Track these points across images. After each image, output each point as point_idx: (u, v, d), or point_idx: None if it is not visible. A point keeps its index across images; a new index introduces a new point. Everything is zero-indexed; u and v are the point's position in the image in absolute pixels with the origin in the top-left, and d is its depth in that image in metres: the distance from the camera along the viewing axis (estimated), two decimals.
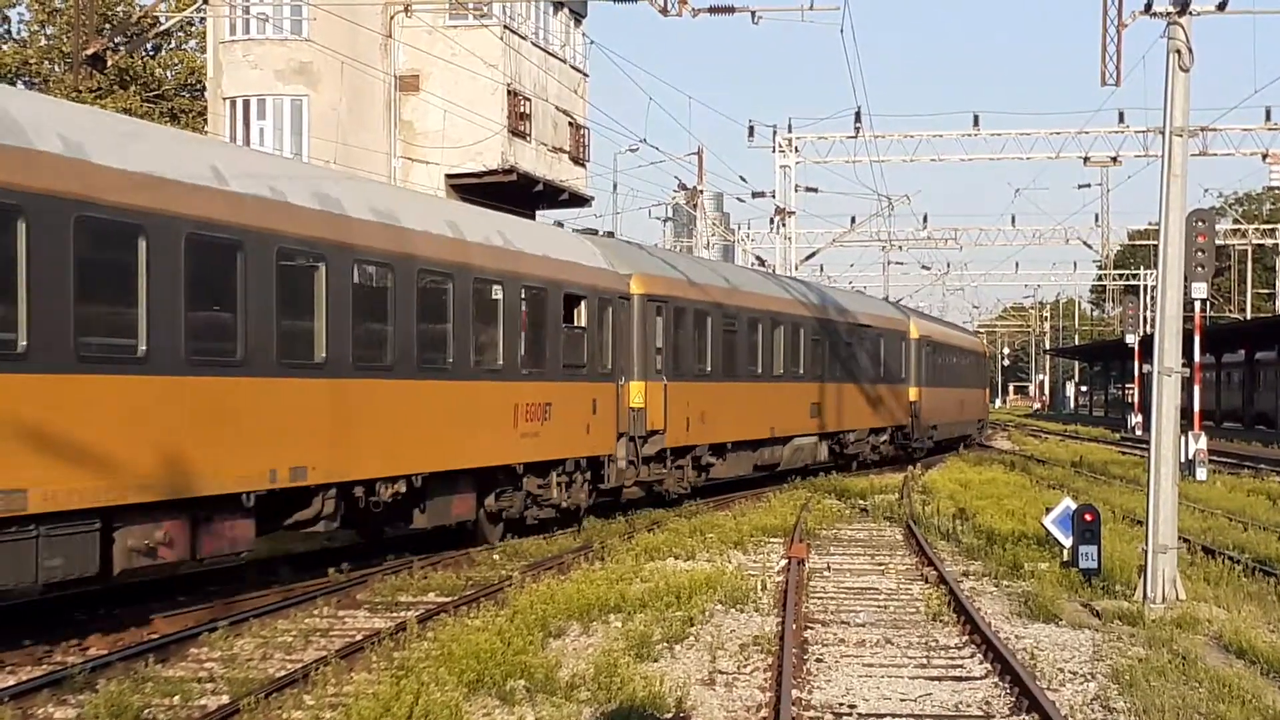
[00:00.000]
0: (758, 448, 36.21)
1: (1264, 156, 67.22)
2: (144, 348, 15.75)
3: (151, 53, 59.59)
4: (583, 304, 26.92)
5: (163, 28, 49.69)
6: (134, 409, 15.63)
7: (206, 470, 16.62)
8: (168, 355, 16.04)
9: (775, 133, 67.26)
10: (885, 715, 12.87)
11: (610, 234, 35.12)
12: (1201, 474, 40.11)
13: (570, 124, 47.05)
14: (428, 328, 21.37)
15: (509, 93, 42.30)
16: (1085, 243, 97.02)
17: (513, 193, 42.49)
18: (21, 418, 14.11)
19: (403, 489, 20.76)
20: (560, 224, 34.09)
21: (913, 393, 51.16)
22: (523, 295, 24.35)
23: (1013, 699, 13.34)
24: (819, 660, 15.13)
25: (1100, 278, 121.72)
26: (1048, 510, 21.95)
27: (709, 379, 32.79)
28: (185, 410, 16.38)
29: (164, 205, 16.09)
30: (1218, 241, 68.77)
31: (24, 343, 14.13)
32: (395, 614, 17.57)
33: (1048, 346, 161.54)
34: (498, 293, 23.51)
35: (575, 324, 26.71)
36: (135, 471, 15.54)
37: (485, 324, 23.18)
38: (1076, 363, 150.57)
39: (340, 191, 20.15)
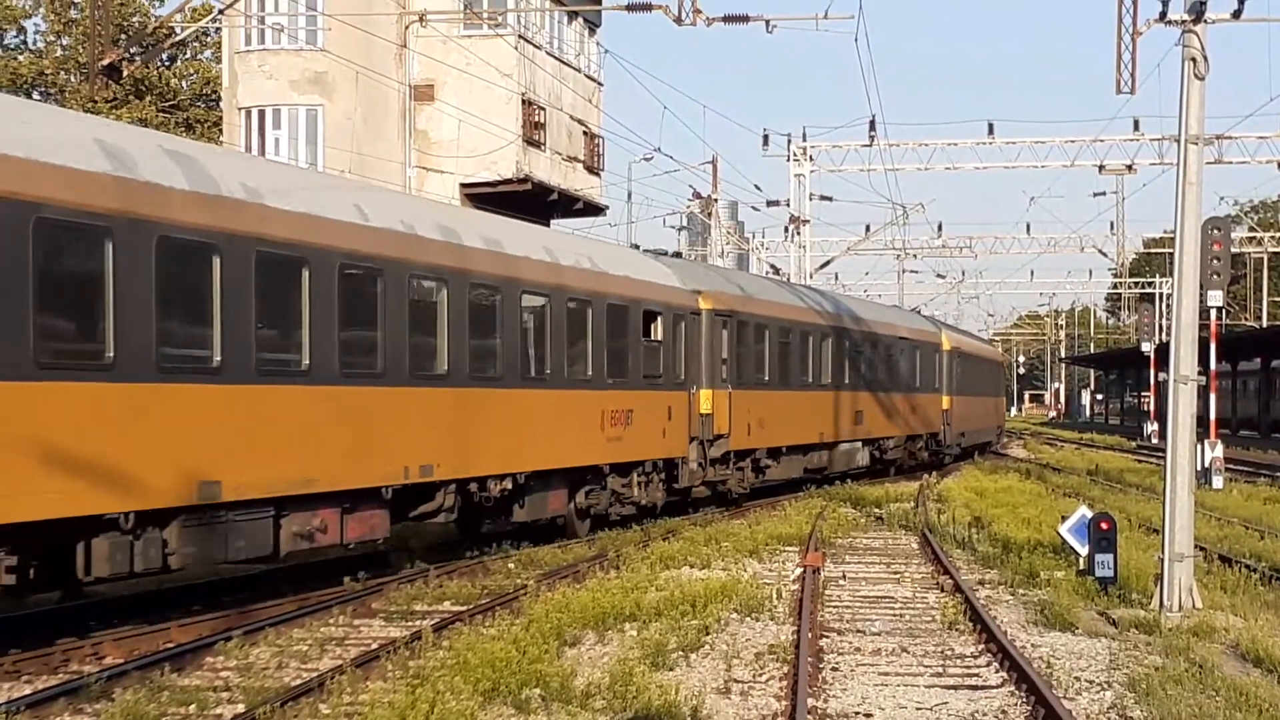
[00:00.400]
0: (807, 452, 38.70)
1: (1279, 164, 67.06)
2: (307, 363, 18.44)
3: (167, 63, 59.77)
4: (659, 319, 29.64)
5: (178, 38, 49.80)
6: (300, 415, 18.30)
7: (354, 467, 19.27)
8: (326, 369, 18.78)
9: (790, 141, 67.22)
10: None
11: (678, 254, 39.07)
12: (1218, 482, 40.02)
13: (585, 133, 47.11)
14: (530, 342, 24.23)
15: (523, 102, 42.37)
16: (1100, 251, 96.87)
17: (527, 202, 42.54)
18: (217, 422, 16.77)
19: (509, 486, 23.56)
20: (642, 248, 35.48)
21: (945, 401, 53.65)
22: (608, 312, 27.08)
23: (1029, 708, 13.31)
24: (834, 669, 15.12)
25: (1115, 286, 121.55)
26: (1064, 518, 21.93)
27: (766, 387, 35.38)
28: (338, 416, 19.05)
29: (322, 240, 18.80)
30: (1233, 249, 68.81)
31: (218, 359, 16.84)
32: (411, 623, 17.58)
33: (1063, 355, 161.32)
34: (587, 310, 26.26)
35: (653, 338, 29.47)
36: (299, 467, 18.15)
37: (577, 338, 25.93)
38: (1092, 371, 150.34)
39: (458, 223, 23.08)
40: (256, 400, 17.46)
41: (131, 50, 36.34)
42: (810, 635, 16.50)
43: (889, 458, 46.61)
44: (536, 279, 24.46)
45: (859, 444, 43.03)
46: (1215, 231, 32.68)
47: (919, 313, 66.50)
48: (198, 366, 16.65)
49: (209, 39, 57.93)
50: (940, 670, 15.15)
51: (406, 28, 41.90)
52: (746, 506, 34.16)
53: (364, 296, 19.59)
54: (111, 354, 15.34)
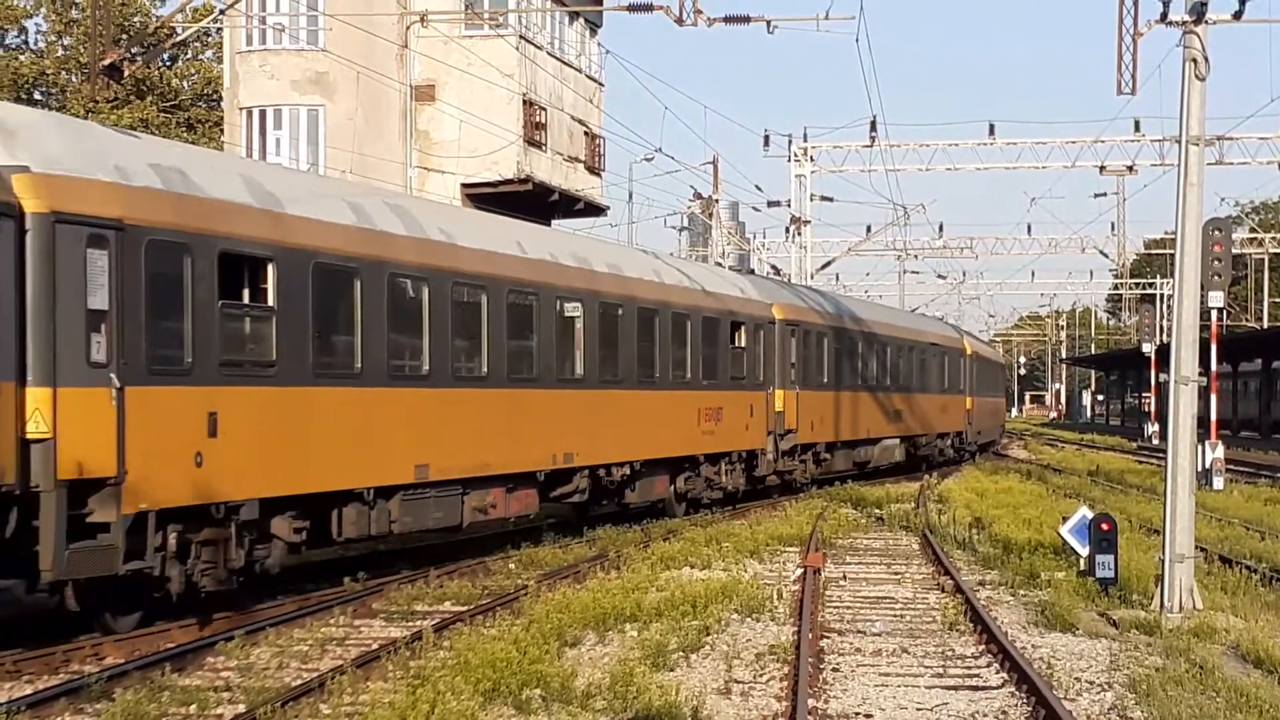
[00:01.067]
0: (856, 447, 43.34)
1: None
2: (485, 370, 23.06)
3: (168, 63, 59.77)
4: (742, 328, 34.52)
5: (179, 38, 49.81)
6: (479, 412, 22.90)
7: (516, 454, 23.93)
8: (497, 375, 23.37)
9: (790, 142, 67.21)
10: None
11: (751, 271, 46.95)
12: (1218, 483, 40.02)
13: (586, 133, 47.12)
14: (643, 350, 28.93)
15: (525, 102, 42.38)
16: (1101, 252, 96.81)
17: (528, 202, 42.55)
18: (426, 418, 21.31)
19: (627, 472, 28.11)
20: (726, 266, 37.86)
21: (968, 402, 58.76)
22: (703, 323, 31.95)
23: (1029, 708, 13.32)
24: (835, 669, 15.12)
25: (1116, 287, 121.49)
26: (1064, 519, 21.93)
27: (825, 389, 40.13)
28: (505, 412, 23.62)
29: (497, 272, 23.51)
30: (1234, 250, 68.79)
31: (427, 368, 21.47)
32: (411, 623, 17.58)
33: (1064, 355, 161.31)
34: (687, 322, 31.09)
35: (738, 344, 34.26)
36: (478, 455, 22.68)
37: (679, 346, 30.78)
38: (1093, 372, 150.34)
39: (588, 251, 28.18)
40: (452, 401, 22.11)
41: (133, 50, 36.37)
42: (811, 636, 16.50)
43: (922, 453, 50.98)
44: (649, 296, 29.41)
45: (897, 440, 47.49)
46: (1216, 232, 32.72)
47: (955, 325, 72.05)
48: (413, 374, 21.25)
49: (210, 39, 57.94)
50: (941, 671, 15.16)
51: (408, 28, 41.90)
52: (747, 507, 34.26)
53: (523, 315, 24.32)
54: (359, 365, 19.85)
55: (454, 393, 22.19)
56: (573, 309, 26.05)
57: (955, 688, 14.32)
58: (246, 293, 18.03)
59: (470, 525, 23.09)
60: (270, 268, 18.30)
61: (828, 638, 17.01)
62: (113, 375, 15.66)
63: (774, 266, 74.22)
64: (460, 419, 22.25)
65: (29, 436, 14.92)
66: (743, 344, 34.41)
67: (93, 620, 16.34)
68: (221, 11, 40.25)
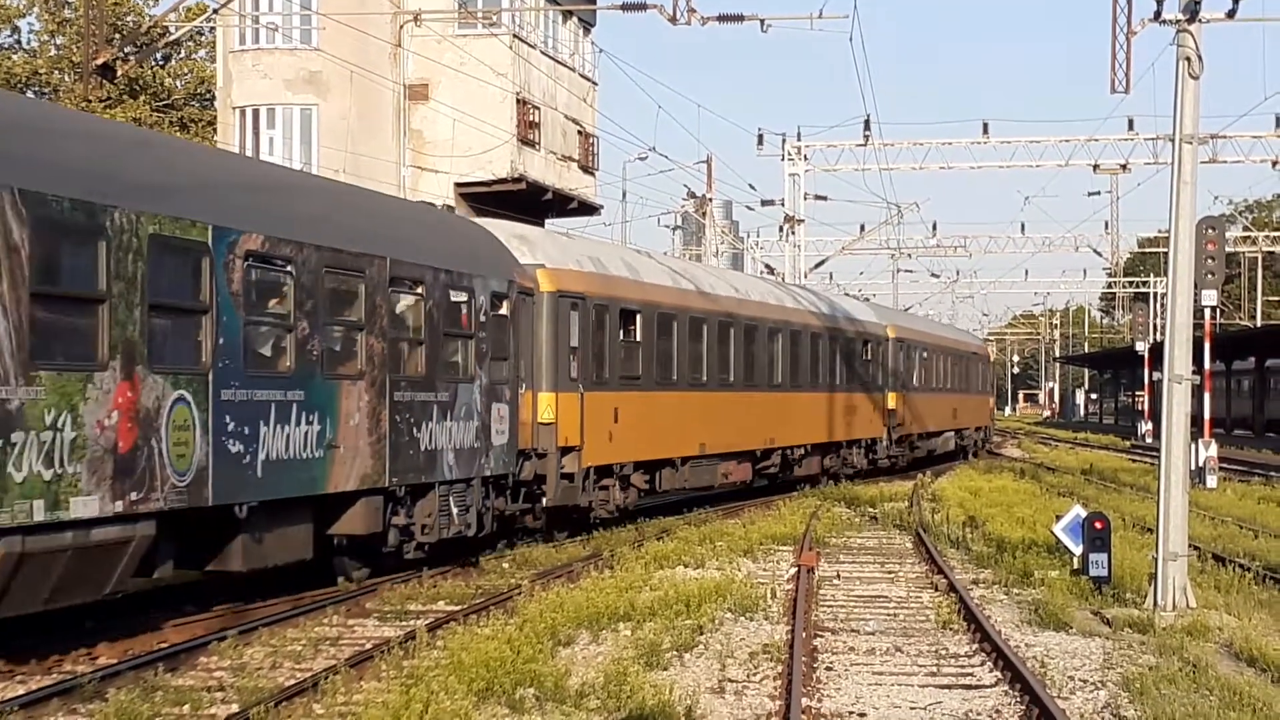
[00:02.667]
0: (930, 438, 53.61)
1: (1274, 163, 67.07)
2: (731, 378, 33.80)
3: (161, 62, 59.72)
4: (869, 345, 45.58)
5: (172, 37, 49.73)
6: (728, 407, 33.35)
7: (744, 438, 34.49)
8: (738, 382, 34.13)
9: (784, 141, 67.20)
10: None
11: (866, 299, 61.65)
12: (1212, 481, 40.04)
13: (579, 132, 47.10)
14: (813, 363, 39.66)
15: (518, 101, 42.35)
16: (1095, 250, 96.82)
17: (522, 201, 42.54)
18: (703, 412, 31.89)
19: (802, 452, 38.63)
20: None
21: (990, 401, 71.02)
22: (844, 341, 42.78)
23: (1023, 707, 13.32)
24: (829, 668, 15.12)
25: (1110, 285, 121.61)
26: (1058, 518, 21.91)
27: (917, 391, 50.71)
28: (740, 408, 34.06)
29: (738, 311, 34.76)
30: (1228, 248, 68.82)
31: (705, 378, 32.12)
32: (405, 623, 17.56)
33: (1057, 354, 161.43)
34: (836, 340, 41.87)
35: (866, 357, 45.14)
36: (726, 438, 33.33)
37: (834, 359, 41.39)
38: (1086, 370, 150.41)
39: (783, 292, 40.97)
40: (715, 400, 32.69)
41: (125, 50, 36.29)
42: (804, 635, 16.51)
43: (964, 443, 61.24)
44: (818, 324, 40.62)
45: (952, 432, 57.82)
46: (1210, 231, 32.74)
47: (970, 333, 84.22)
48: (698, 383, 31.97)
49: (203, 38, 57.89)
50: (934, 670, 15.16)
51: (401, 27, 41.88)
52: (740, 505, 34.33)
53: (750, 340, 35.16)
54: (675, 377, 30.72)
55: (716, 395, 32.82)
56: (776, 335, 36.85)
57: (949, 687, 14.32)
58: (626, 333, 28.76)
59: (719, 485, 33.97)
60: (638, 316, 29.25)
61: (821, 636, 17.01)
62: (580, 385, 26.21)
63: (767, 266, 74.22)
64: (718, 413, 32.84)
65: (541, 421, 25.07)
66: (869, 357, 45.59)
67: (553, 529, 26.44)
68: (215, 11, 40.18)
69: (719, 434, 32.68)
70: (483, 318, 22.15)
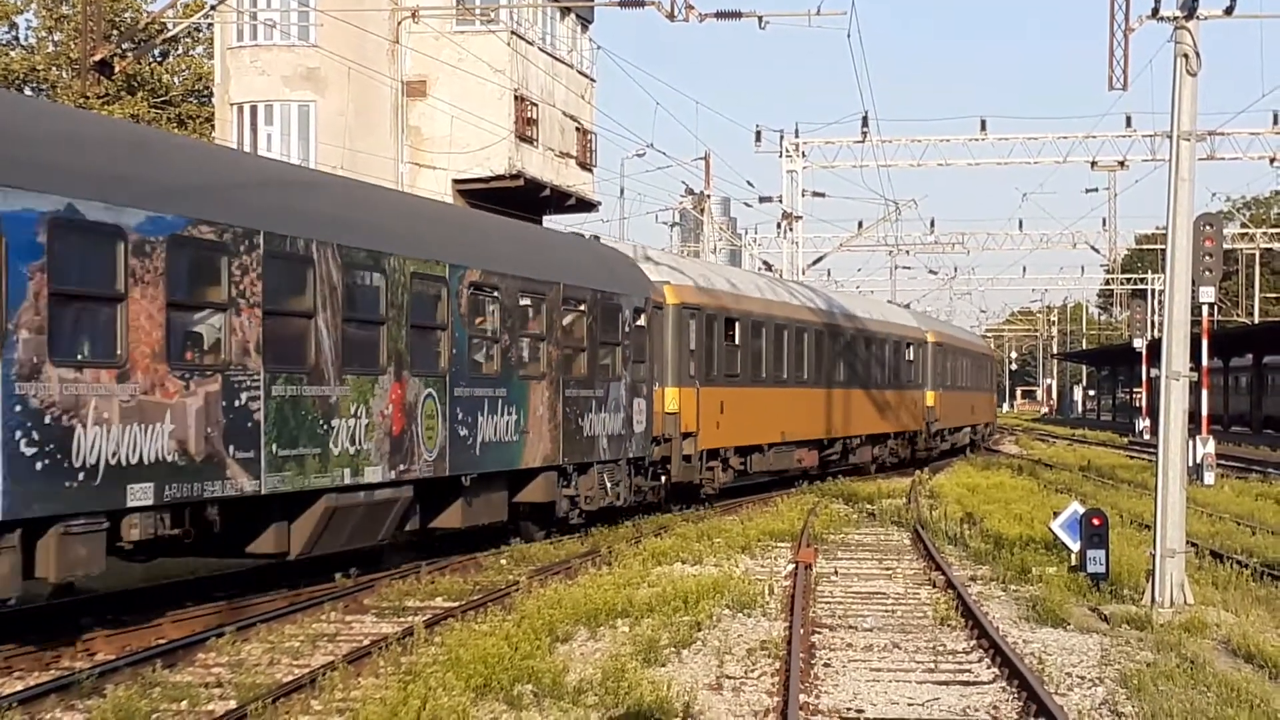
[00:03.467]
0: (958, 430, 60.37)
1: (1272, 160, 67.12)
2: (805, 376, 39.36)
3: (159, 59, 59.67)
4: (911, 347, 51.41)
5: (170, 34, 49.73)
6: (803, 401, 39.01)
7: (812, 429, 40.07)
8: (811, 379, 39.94)
9: (782, 137, 67.19)
10: None
11: (907, 305, 69.01)
12: (1209, 478, 40.05)
13: (577, 129, 47.07)
14: (865, 363, 45.36)
15: (516, 98, 42.32)
16: (1093, 247, 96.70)
17: (520, 198, 42.51)
18: (787, 406, 37.61)
19: (856, 443, 44.59)
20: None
21: (994, 398, 76.77)
22: (892, 345, 48.83)
23: (1020, 703, 13.33)
24: (826, 665, 15.13)
25: (1108, 282, 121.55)
26: (1055, 514, 21.94)
27: (949, 389, 56.32)
28: (811, 403, 39.87)
29: (810, 319, 40.77)
30: (1225, 245, 68.61)
31: (784, 375, 37.84)
32: (403, 619, 17.57)
33: (1055, 351, 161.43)
34: (885, 345, 47.98)
35: (908, 359, 50.97)
36: (800, 428, 38.65)
37: (881, 360, 47.33)
38: (1084, 367, 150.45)
39: (845, 301, 49.15)
40: (792, 395, 38.44)
41: (123, 46, 36.29)
42: (802, 631, 16.52)
43: (976, 436, 66.06)
44: (870, 329, 46.71)
45: (969, 427, 63.46)
46: (1207, 228, 32.77)
47: (979, 334, 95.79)
48: (779, 380, 37.63)
49: (201, 35, 57.82)
50: (932, 666, 15.17)
51: (399, 23, 41.85)
52: (739, 501, 34.36)
53: (819, 342, 41.05)
54: (764, 375, 36.47)
55: (794, 391, 38.59)
56: (839, 339, 42.84)
57: (946, 683, 14.33)
58: (728, 338, 34.39)
59: (792, 469, 38.70)
60: (737, 324, 34.89)
61: (819, 633, 17.01)
62: (697, 381, 31.70)
63: (765, 262, 74.23)
64: (795, 406, 38.40)
65: (667, 411, 30.46)
66: (912, 359, 51.32)
67: (670, 503, 31.53)
68: (212, 7, 40.18)
69: (795, 425, 38.48)
70: (627, 328, 28.00)
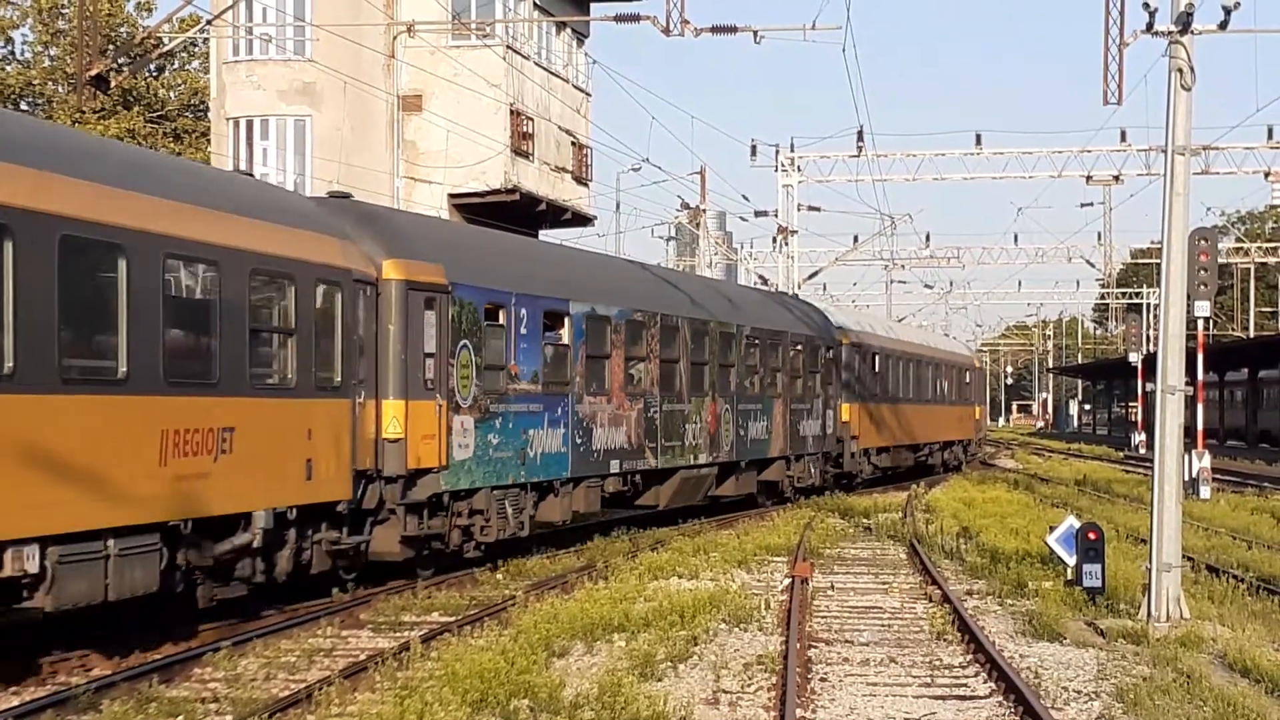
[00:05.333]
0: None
1: (1266, 175, 67.13)
2: (912, 395, 50.87)
3: (155, 73, 59.68)
4: (966, 372, 63.12)
5: (166, 48, 49.70)
6: (913, 414, 50.77)
7: (909, 437, 50.15)
8: (917, 397, 52.10)
9: (778, 152, 67.16)
10: None
11: (765, 282, 68.12)
12: (1205, 492, 40.04)
13: (573, 143, 47.11)
14: (938, 384, 55.60)
15: (512, 112, 42.35)
16: (1088, 261, 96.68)
17: (515, 212, 42.52)
18: (910, 417, 50.61)
19: (935, 448, 54.86)
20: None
21: (978, 411, 78.56)
22: (953, 368, 59.72)
23: (1017, 718, 13.33)
24: (823, 679, 15.12)
25: (1103, 296, 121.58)
26: (1051, 529, 21.95)
27: (980, 404, 71.31)
28: (915, 416, 51.06)
29: (913, 351, 53.04)
30: (1220, 260, 68.85)
31: (878, 393, 47.08)
32: (399, 634, 17.56)
33: (1051, 365, 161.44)
34: (944, 368, 57.58)
35: (966, 381, 62.54)
36: (910, 434, 50.03)
37: (949, 381, 58.15)
38: (1080, 381, 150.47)
39: (924, 335, 65.55)
40: (905, 410, 49.51)
41: (119, 61, 36.27)
42: (799, 645, 16.51)
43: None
44: (940, 358, 57.79)
45: (983, 433, 77.25)
46: (1202, 242, 32.75)
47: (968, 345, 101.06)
48: (898, 398, 48.91)
49: (197, 49, 57.83)
50: (928, 680, 15.17)
51: (395, 38, 41.88)
52: (735, 516, 34.35)
53: (918, 370, 51.96)
54: (899, 395, 48.98)
55: (905, 406, 49.73)
56: (927, 366, 54.20)
57: (943, 697, 14.33)
58: (871, 366, 45.43)
59: (901, 466, 49.47)
60: (876, 357, 46.43)
61: (815, 647, 17.01)
62: (857, 398, 43.32)
63: (761, 277, 74.25)
64: (906, 419, 49.40)
65: (842, 420, 42.03)
66: (967, 381, 63.13)
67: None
68: (208, 22, 40.17)
69: (904, 433, 49.61)
70: (822, 361, 41.01)
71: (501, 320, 23.60)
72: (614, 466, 27.62)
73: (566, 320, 25.81)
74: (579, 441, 26.02)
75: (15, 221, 13.78)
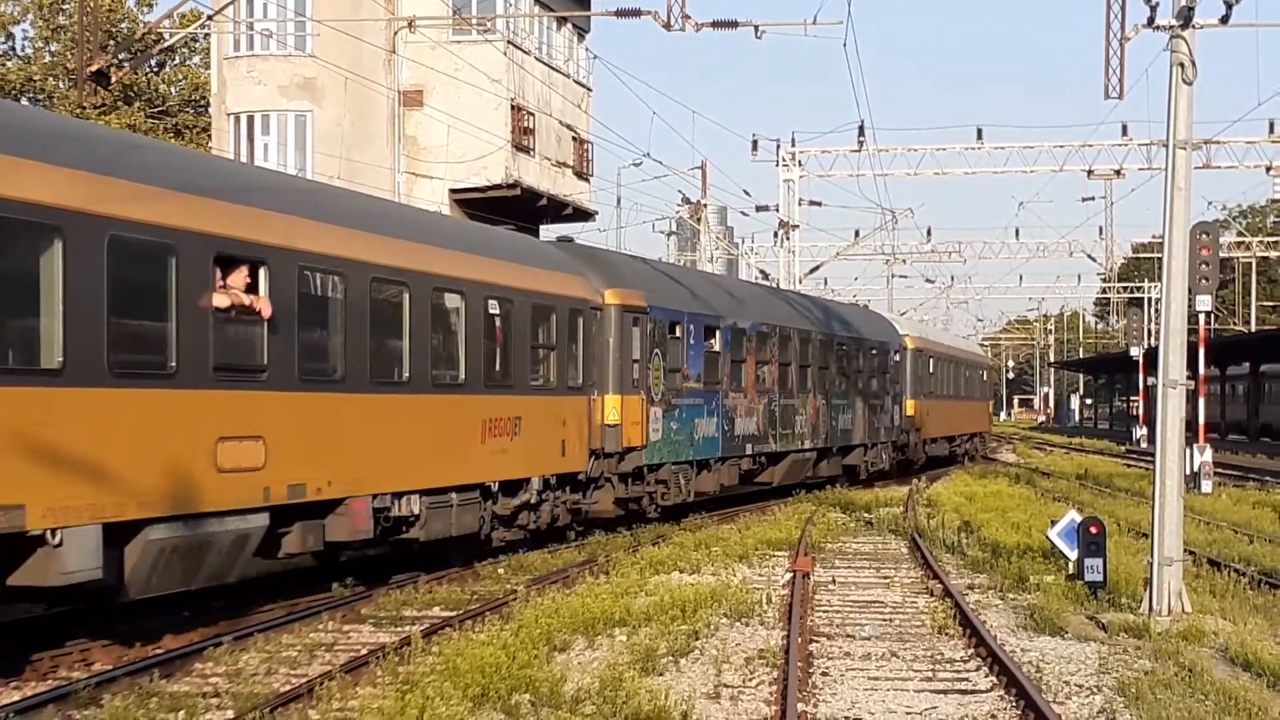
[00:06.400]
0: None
1: (1268, 169, 67.10)
2: (945, 392, 57.11)
3: (156, 69, 59.70)
4: (985, 371, 69.94)
5: (167, 44, 49.72)
6: (946, 409, 57.37)
7: (951, 428, 59.01)
8: (946, 393, 57.33)
9: (779, 147, 67.21)
10: None
11: (764, 275, 71.87)
12: (1206, 486, 40.07)
13: (574, 138, 47.11)
14: (970, 383, 64.48)
15: (513, 107, 42.36)
16: (1089, 255, 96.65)
17: (516, 207, 42.53)
18: (938, 411, 56.31)
19: (965, 439, 62.83)
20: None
21: (989, 405, 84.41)
22: (981, 369, 69.08)
23: (1019, 712, 13.33)
24: (824, 673, 15.12)
25: (1104, 290, 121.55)
26: (1053, 523, 21.92)
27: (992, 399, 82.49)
28: (948, 410, 57.64)
29: (940, 351, 57.62)
30: (1222, 254, 68.73)
31: (934, 391, 54.90)
32: (400, 628, 17.56)
33: (1052, 359, 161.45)
34: (975, 369, 66.30)
35: (984, 379, 69.10)
36: (950, 427, 59.05)
37: (977, 380, 67.05)
38: (1081, 375, 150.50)
39: (956, 341, 72.73)
40: (949, 404, 57.60)
41: (120, 56, 36.28)
42: (800, 640, 16.50)
43: (985, 441, 74.21)
44: (968, 359, 65.73)
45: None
46: (1204, 236, 32.81)
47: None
48: (944, 395, 56.26)
49: (197, 45, 57.85)
50: (930, 675, 15.16)
51: (395, 33, 41.88)
52: (736, 510, 34.34)
53: (959, 368, 61.06)
54: (950, 393, 58.24)
55: (948, 401, 56.82)
56: (962, 367, 61.46)
57: (944, 691, 14.33)
58: (929, 368, 52.08)
59: (942, 455, 57.08)
60: (933, 360, 53.48)
61: (817, 641, 17.01)
62: (921, 395, 51.24)
63: (762, 271, 74.24)
64: (950, 411, 57.63)
65: (907, 415, 49.79)
66: (985, 379, 70.85)
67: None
68: (209, 17, 40.17)
69: (949, 425, 58.13)
70: (890, 365, 47.74)
71: (679, 334, 30.70)
72: (748, 449, 34.91)
73: (718, 333, 32.91)
74: (726, 429, 33.19)
75: (347, 270, 19.06)
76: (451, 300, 21.74)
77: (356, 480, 19.08)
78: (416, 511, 20.56)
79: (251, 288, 17.14)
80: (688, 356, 30.95)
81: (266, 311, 17.18)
